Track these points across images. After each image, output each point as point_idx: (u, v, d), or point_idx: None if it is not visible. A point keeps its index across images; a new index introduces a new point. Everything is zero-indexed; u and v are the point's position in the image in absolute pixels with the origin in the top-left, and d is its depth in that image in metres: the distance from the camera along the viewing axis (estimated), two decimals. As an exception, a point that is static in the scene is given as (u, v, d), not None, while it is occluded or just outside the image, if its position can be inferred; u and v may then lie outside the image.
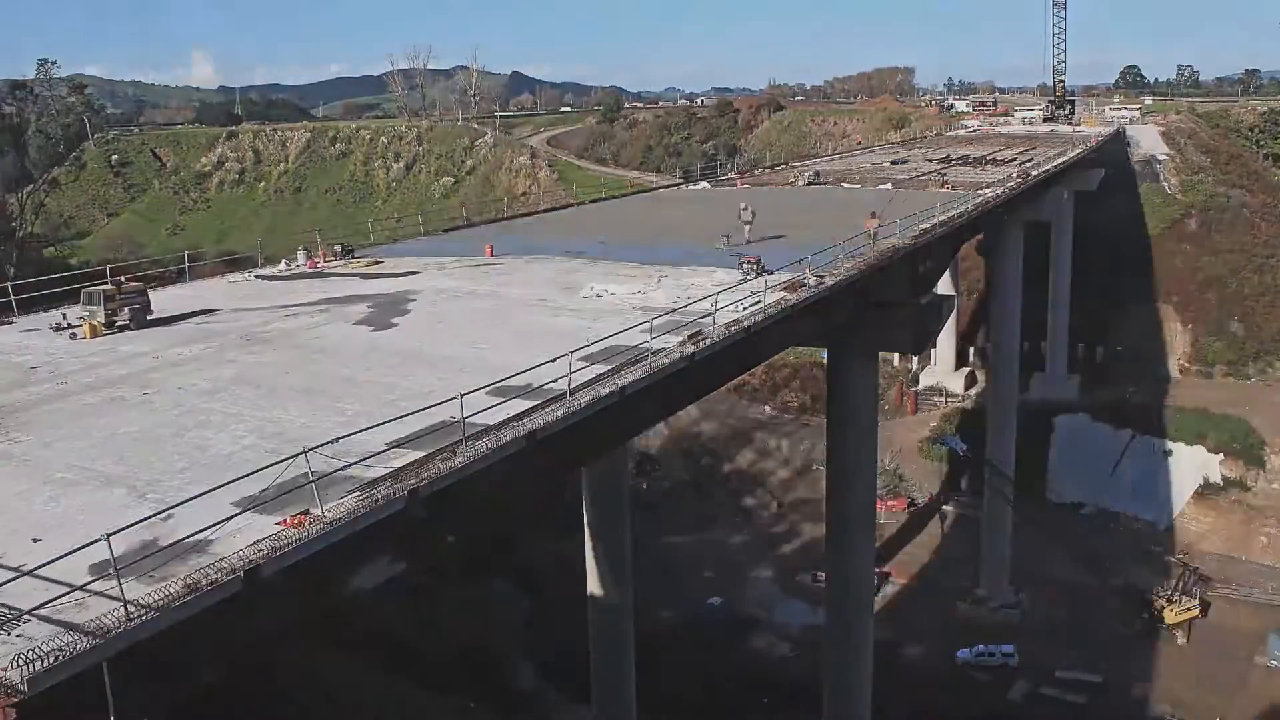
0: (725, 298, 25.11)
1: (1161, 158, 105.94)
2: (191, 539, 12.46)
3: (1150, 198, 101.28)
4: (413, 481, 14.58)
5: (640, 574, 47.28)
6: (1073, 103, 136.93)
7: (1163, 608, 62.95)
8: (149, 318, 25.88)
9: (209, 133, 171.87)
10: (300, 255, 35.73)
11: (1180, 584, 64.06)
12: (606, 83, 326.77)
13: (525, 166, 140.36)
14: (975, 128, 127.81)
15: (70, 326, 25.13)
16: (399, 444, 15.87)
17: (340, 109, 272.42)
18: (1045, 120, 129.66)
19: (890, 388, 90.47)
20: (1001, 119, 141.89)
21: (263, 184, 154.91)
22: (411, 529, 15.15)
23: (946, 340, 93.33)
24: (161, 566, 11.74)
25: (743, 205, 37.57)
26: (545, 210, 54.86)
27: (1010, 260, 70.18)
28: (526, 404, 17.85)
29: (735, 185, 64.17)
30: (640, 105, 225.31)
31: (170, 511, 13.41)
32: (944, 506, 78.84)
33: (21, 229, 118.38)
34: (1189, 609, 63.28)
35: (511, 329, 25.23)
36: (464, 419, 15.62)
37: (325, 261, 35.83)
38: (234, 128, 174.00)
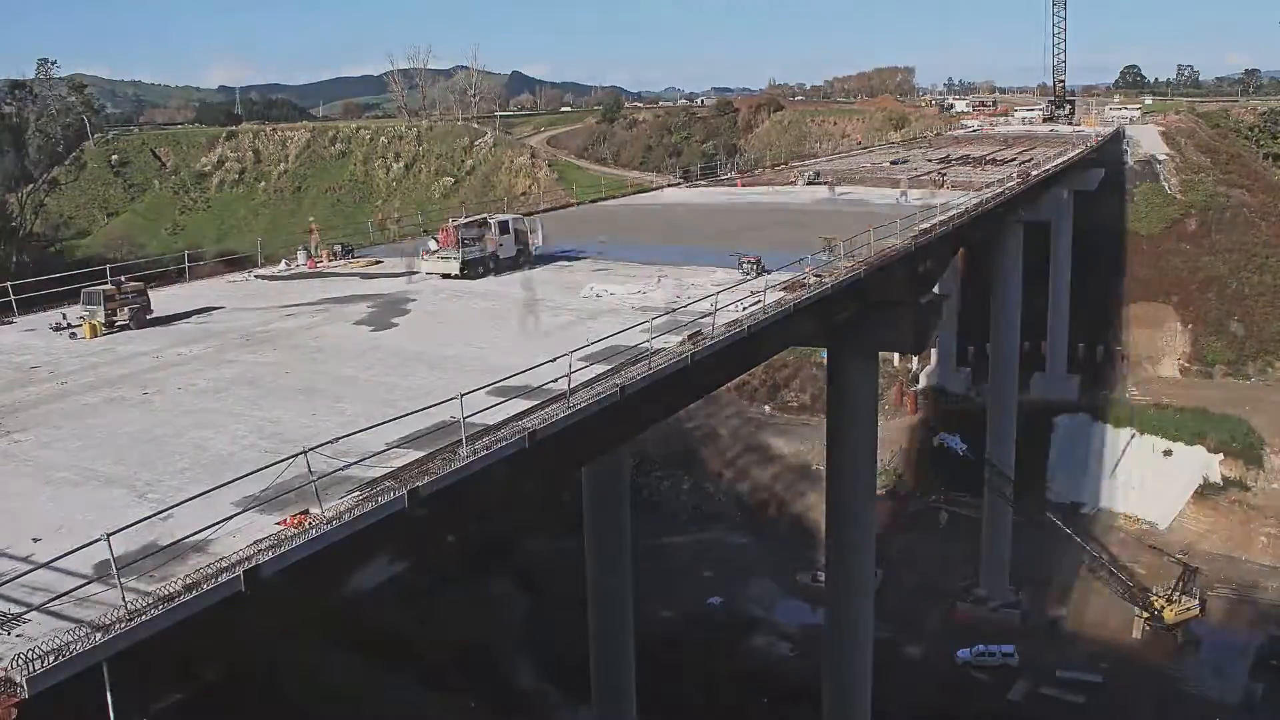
0: (725, 298, 25.12)
1: (1161, 158, 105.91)
2: (191, 539, 12.47)
3: (1150, 197, 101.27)
4: (413, 482, 14.59)
5: (640, 574, 47.27)
6: (1073, 103, 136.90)
7: (1162, 607, 62.91)
8: (149, 318, 25.89)
9: (209, 133, 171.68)
10: (300, 254, 35.76)
11: (1180, 584, 64.02)
12: (606, 83, 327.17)
13: (525, 166, 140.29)
14: (975, 128, 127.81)
15: (70, 326, 25.15)
16: (399, 444, 15.88)
17: (340, 109, 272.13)
18: (1045, 120, 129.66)
19: (890, 388, 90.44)
20: (1001, 119, 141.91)
21: (263, 184, 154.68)
22: (411, 529, 15.16)
23: (946, 340, 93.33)
24: (161, 566, 11.75)
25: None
26: (545, 210, 54.83)
27: (1010, 260, 70.17)
28: (526, 404, 17.86)
29: (735, 185, 64.22)
30: (640, 105, 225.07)
31: (170, 511, 13.40)
32: (944, 506, 78.79)
33: (22, 229, 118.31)
34: (1189, 609, 63.26)
35: (511, 329, 25.24)
36: (464, 419, 15.62)
37: (328, 261, 35.85)
38: (234, 128, 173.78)
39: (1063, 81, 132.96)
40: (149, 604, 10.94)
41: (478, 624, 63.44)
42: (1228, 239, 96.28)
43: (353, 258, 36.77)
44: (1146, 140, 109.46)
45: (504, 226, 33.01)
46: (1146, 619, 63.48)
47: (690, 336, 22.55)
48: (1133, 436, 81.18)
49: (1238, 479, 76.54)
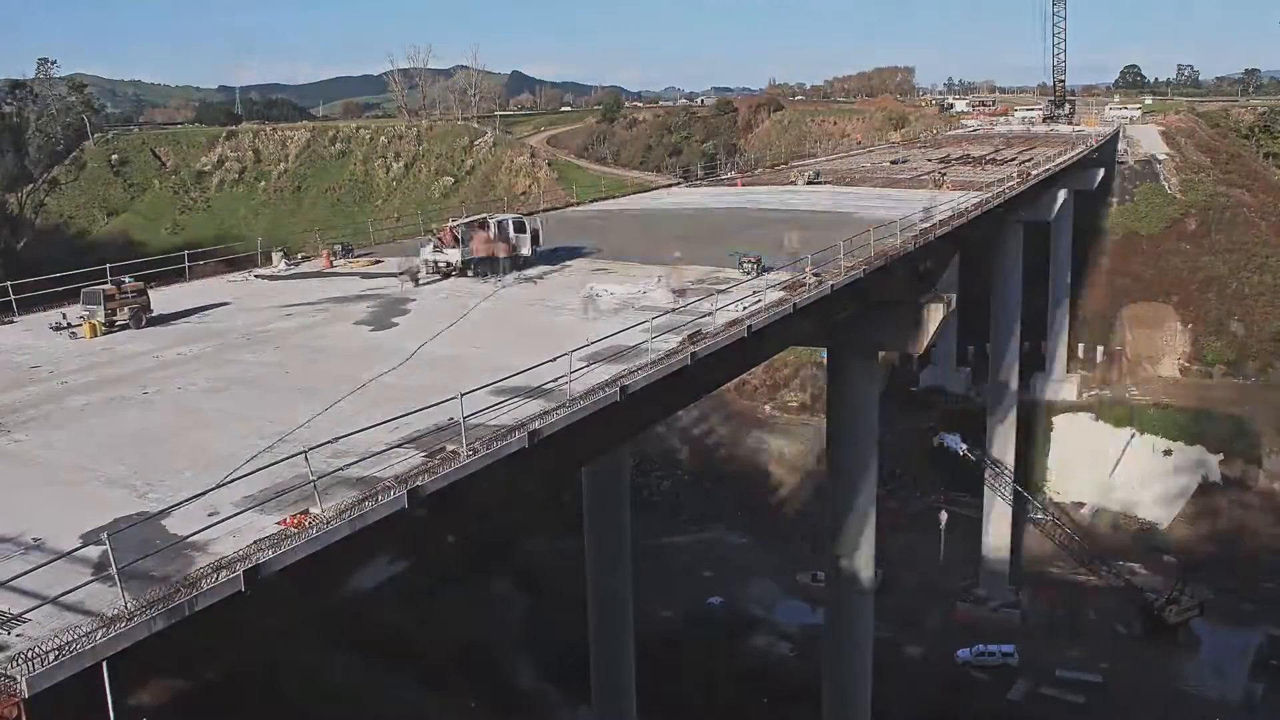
0: (725, 297, 25.11)
1: (1161, 157, 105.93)
2: (191, 539, 12.47)
3: (1150, 197, 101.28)
4: (413, 482, 14.59)
5: (640, 574, 47.28)
6: (1073, 102, 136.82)
7: (1162, 608, 62.90)
8: (149, 317, 25.89)
9: (209, 132, 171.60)
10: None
11: (1180, 584, 64.01)
12: (606, 82, 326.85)
13: (525, 166, 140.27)
14: (975, 127, 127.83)
15: (70, 326, 25.13)
16: (399, 444, 15.88)
17: (340, 109, 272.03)
18: (1045, 120, 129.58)
19: (890, 388, 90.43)
20: (1001, 119, 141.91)
21: (263, 184, 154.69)
22: (411, 529, 15.15)
23: (947, 339, 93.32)
24: (161, 566, 11.75)
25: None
26: (545, 210, 54.81)
27: (1010, 260, 70.18)
28: (527, 404, 17.85)
29: (736, 184, 64.21)
30: (640, 105, 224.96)
31: (170, 511, 13.41)
32: (944, 506, 78.80)
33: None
34: (1188, 609, 63.25)
35: (511, 329, 25.24)
36: (464, 419, 15.62)
37: (328, 262, 35.83)
38: (234, 127, 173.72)
39: (1062, 81, 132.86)
40: (149, 604, 10.94)
41: (478, 624, 63.43)
42: (1228, 239, 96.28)
43: (353, 257, 36.78)
44: (1146, 140, 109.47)
45: (502, 227, 33.00)
46: (1146, 619, 63.48)
47: (690, 336, 22.55)
48: (1133, 436, 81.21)
49: (1238, 479, 76.56)
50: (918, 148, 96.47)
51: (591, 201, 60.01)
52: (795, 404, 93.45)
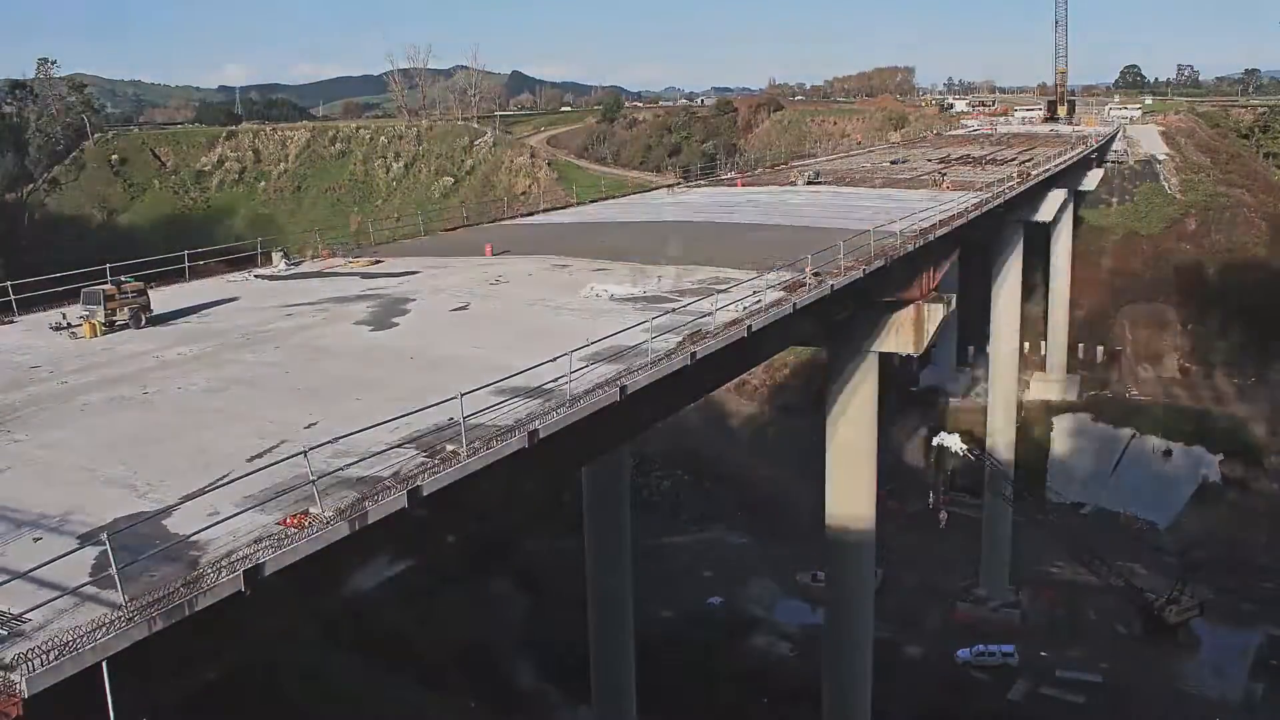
0: (725, 298, 25.12)
1: (1161, 157, 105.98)
2: (191, 539, 12.47)
3: (1150, 197, 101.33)
4: (413, 481, 14.59)
5: (640, 574, 47.28)
6: (1073, 103, 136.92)
7: (1162, 608, 62.89)
8: (149, 317, 25.88)
9: (209, 132, 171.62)
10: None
11: (1180, 584, 63.99)
12: (606, 82, 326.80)
13: (525, 166, 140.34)
14: (975, 127, 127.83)
15: (70, 326, 25.13)
16: (399, 444, 15.88)
17: (340, 109, 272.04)
18: (1045, 120, 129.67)
19: (890, 388, 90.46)
20: (1001, 119, 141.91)
21: (263, 184, 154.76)
22: (411, 529, 15.15)
23: (947, 340, 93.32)
24: (161, 566, 11.75)
25: None
26: (545, 210, 54.83)
27: (1010, 260, 70.19)
28: (527, 404, 17.86)
29: (735, 185, 64.22)
30: (640, 105, 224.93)
31: (170, 511, 13.42)
32: (944, 506, 78.72)
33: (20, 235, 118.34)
34: (1188, 609, 63.23)
35: (511, 329, 25.23)
36: (464, 419, 15.62)
37: (327, 261, 35.87)
38: (234, 127, 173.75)
39: (1063, 81, 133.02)
40: (149, 604, 10.94)
41: (478, 624, 63.41)
42: (1227, 239, 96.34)
43: (352, 257, 36.80)
44: (1146, 140, 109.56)
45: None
46: (1146, 619, 63.47)
47: (690, 336, 22.55)
48: (1133, 436, 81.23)
49: (1237, 479, 76.56)
50: (918, 148, 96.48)
51: (591, 202, 59.87)
52: (795, 404, 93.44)
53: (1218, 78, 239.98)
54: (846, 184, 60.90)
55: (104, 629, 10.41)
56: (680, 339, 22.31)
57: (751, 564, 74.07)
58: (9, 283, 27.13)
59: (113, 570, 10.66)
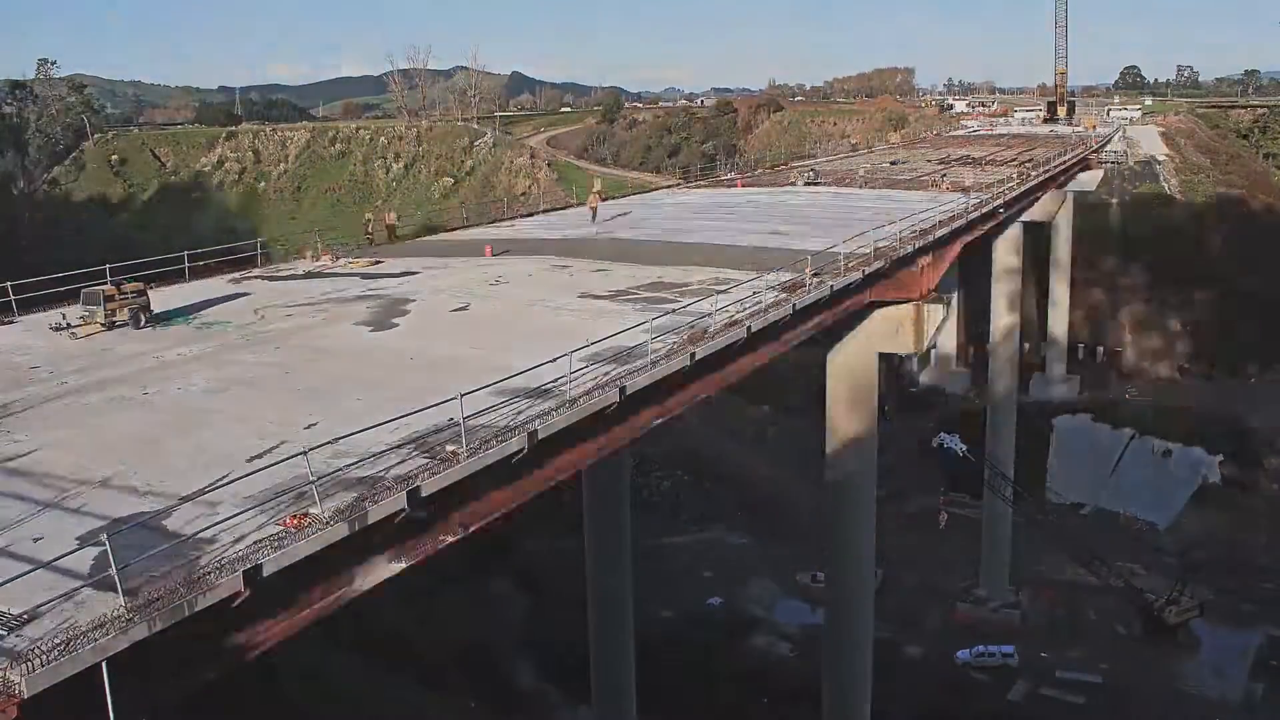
0: (725, 298, 25.14)
1: (1161, 158, 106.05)
2: (191, 539, 12.48)
3: (1149, 198, 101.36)
4: (413, 481, 14.59)
5: (640, 574, 47.27)
6: (1073, 103, 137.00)
7: (1162, 608, 62.89)
8: (149, 318, 25.89)
9: (209, 132, 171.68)
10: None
11: (1179, 584, 63.99)
12: (606, 83, 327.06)
13: (525, 166, 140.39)
14: (975, 128, 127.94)
15: (70, 326, 25.13)
16: (399, 444, 15.89)
17: (340, 109, 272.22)
18: (1045, 120, 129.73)
19: (890, 388, 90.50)
20: (1001, 119, 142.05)
21: (263, 184, 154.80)
22: (411, 529, 15.16)
23: (946, 340, 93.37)
24: (161, 566, 11.75)
25: None
26: (545, 210, 54.84)
27: (1010, 260, 70.19)
28: (527, 404, 17.87)
29: (735, 185, 64.25)
30: (640, 105, 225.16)
31: (170, 511, 13.43)
32: (944, 507, 78.76)
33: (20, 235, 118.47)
34: (1188, 609, 63.23)
35: (511, 329, 25.24)
36: (464, 419, 15.63)
37: (329, 262, 35.86)
38: (234, 128, 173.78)
39: (1063, 82, 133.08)
40: (149, 604, 10.95)
41: (478, 624, 63.40)
42: (1227, 240, 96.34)
43: (352, 258, 36.79)
44: (1146, 141, 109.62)
45: None
46: (1146, 619, 63.47)
47: (690, 337, 22.57)
48: (1132, 437, 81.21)
49: (1237, 480, 76.56)
50: (918, 149, 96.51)
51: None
52: (795, 404, 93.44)
53: (1217, 79, 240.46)
54: (846, 185, 60.94)
55: (103, 629, 10.42)
56: (680, 339, 22.33)
57: (751, 564, 74.05)
58: (9, 283, 27.11)
59: (112, 570, 10.67)
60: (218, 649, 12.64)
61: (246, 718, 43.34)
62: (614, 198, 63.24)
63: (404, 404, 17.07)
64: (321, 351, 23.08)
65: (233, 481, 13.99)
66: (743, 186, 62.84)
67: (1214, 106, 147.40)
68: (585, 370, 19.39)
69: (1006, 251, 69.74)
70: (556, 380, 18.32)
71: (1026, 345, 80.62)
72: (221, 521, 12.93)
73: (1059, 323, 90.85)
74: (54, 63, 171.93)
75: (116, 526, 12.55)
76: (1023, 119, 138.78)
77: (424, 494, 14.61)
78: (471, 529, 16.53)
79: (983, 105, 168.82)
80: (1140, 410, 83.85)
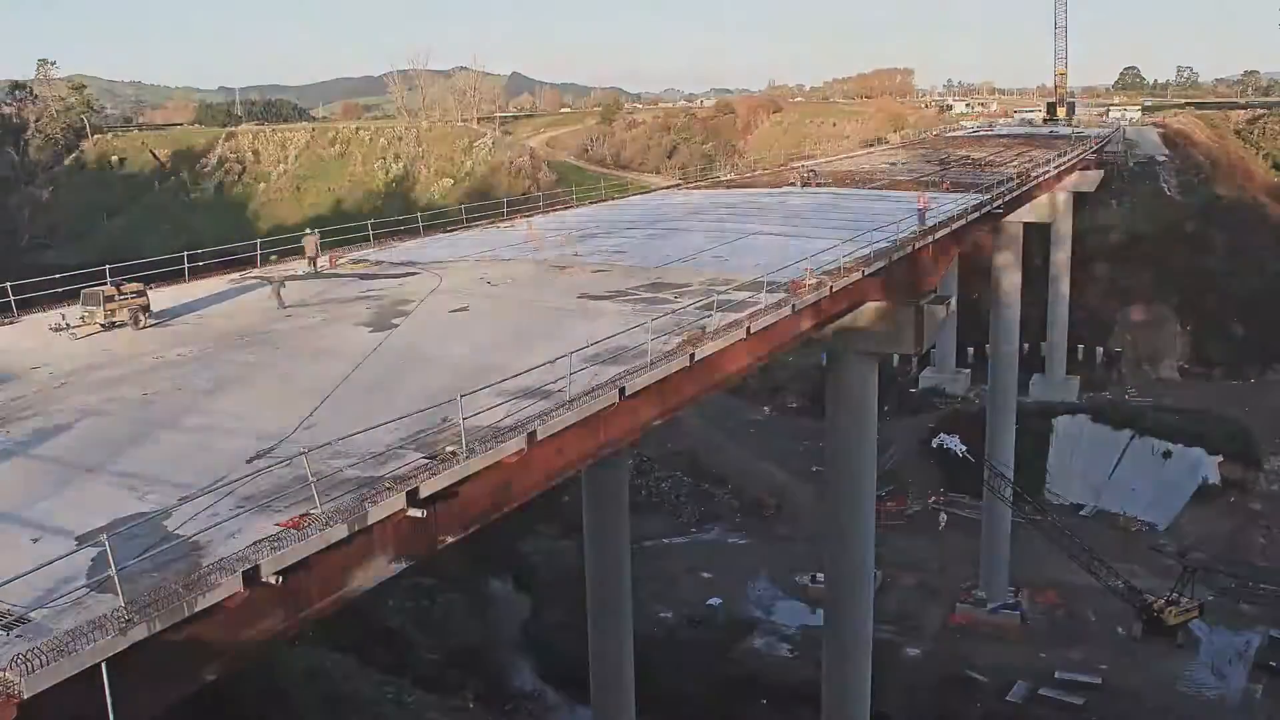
0: (724, 298, 25.13)
1: (1161, 159, 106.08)
2: (191, 539, 12.48)
3: (1149, 199, 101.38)
4: (413, 482, 14.59)
5: (640, 574, 47.28)
6: (1072, 104, 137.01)
7: (1162, 609, 62.87)
8: (148, 318, 25.89)
9: (208, 133, 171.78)
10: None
11: (1179, 585, 63.98)
12: (606, 83, 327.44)
13: (524, 167, 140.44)
14: (975, 129, 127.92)
15: (70, 327, 25.13)
16: (399, 444, 15.89)
17: (340, 109, 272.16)
18: (1045, 121, 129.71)
19: (890, 388, 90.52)
20: (1001, 120, 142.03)
21: (262, 185, 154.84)
22: (411, 529, 15.17)
23: (946, 340, 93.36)
24: (161, 566, 11.75)
25: None
26: (545, 211, 54.73)
27: (1010, 261, 70.21)
28: (526, 405, 17.86)
29: (735, 185, 64.24)
30: (640, 106, 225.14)
31: (169, 511, 13.43)
32: (944, 507, 78.78)
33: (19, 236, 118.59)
34: (1188, 610, 63.21)
35: (511, 329, 25.24)
36: (464, 419, 15.63)
37: (331, 263, 35.84)
38: (234, 128, 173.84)
39: (1062, 83, 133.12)
40: (148, 604, 10.94)
41: (478, 624, 63.41)
42: (1227, 240, 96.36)
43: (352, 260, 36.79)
44: (1146, 141, 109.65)
45: None
46: (1145, 620, 63.45)
47: (690, 337, 22.56)
48: (1132, 437, 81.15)
49: (1237, 480, 76.53)
50: (917, 149, 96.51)
51: (592, 203, 59.75)
52: (795, 404, 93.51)
53: (1217, 79, 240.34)
54: (846, 185, 60.93)
55: (103, 629, 10.41)
56: (680, 339, 22.33)
57: (751, 565, 74.04)
58: (9, 283, 27.11)
59: (112, 571, 10.67)
60: (218, 649, 12.65)
61: (246, 718, 43.32)
62: (611, 198, 63.26)
63: (404, 404, 17.07)
64: (321, 352, 23.08)
65: (232, 483, 13.99)
66: (742, 187, 62.82)
67: (1214, 107, 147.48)
68: (585, 370, 19.39)
69: (1006, 252, 69.76)
70: (556, 380, 18.32)
71: (1026, 346, 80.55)
72: (221, 522, 12.93)
73: (1059, 323, 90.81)
74: (54, 63, 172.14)
75: (116, 527, 12.55)
76: (1022, 119, 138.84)
77: (423, 494, 14.61)
78: (471, 529, 16.51)
79: (982, 106, 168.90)
80: (1140, 410, 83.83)
